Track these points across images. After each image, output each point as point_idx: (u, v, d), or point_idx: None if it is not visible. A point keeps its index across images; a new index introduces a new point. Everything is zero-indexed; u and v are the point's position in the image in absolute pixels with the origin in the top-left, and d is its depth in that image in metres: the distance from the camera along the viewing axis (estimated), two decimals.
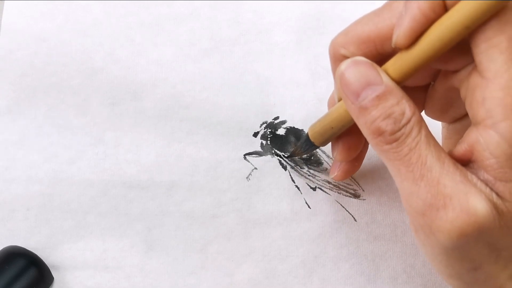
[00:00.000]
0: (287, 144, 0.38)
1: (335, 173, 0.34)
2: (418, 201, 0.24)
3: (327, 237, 0.35)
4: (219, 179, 0.37)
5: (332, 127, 0.30)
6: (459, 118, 0.30)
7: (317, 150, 0.38)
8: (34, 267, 0.32)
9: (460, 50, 0.25)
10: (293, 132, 0.38)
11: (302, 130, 0.38)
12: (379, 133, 0.25)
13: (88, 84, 0.39)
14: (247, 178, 0.37)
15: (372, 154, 0.37)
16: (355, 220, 0.36)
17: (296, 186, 0.37)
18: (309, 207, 0.36)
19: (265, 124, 0.38)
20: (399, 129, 0.24)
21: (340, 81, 0.26)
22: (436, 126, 0.30)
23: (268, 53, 0.40)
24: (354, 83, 0.25)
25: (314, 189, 0.37)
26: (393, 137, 0.24)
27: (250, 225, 0.35)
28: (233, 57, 0.40)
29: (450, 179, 0.23)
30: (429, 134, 0.25)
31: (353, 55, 0.27)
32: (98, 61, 0.39)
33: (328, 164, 0.37)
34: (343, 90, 0.26)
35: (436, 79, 0.29)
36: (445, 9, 0.24)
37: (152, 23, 0.41)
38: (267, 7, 0.42)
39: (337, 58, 0.28)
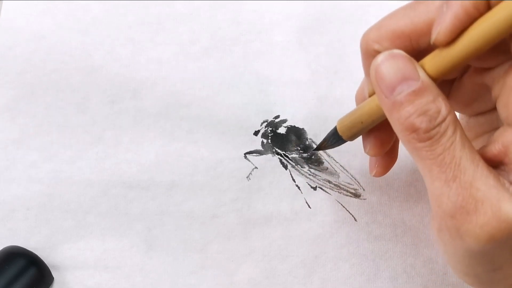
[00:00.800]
0: (288, 143, 0.38)
1: (374, 171, 0.33)
2: (448, 202, 0.24)
3: (327, 237, 0.35)
4: (219, 178, 0.37)
5: (362, 122, 0.29)
6: (481, 112, 0.29)
7: None
8: (34, 267, 0.32)
9: (497, 47, 0.24)
10: (294, 131, 0.38)
11: (302, 129, 0.38)
12: (413, 129, 0.24)
13: (88, 82, 0.39)
14: (247, 177, 0.37)
15: None
16: (356, 220, 0.36)
17: (297, 185, 0.37)
18: (309, 206, 0.36)
19: (266, 123, 0.38)
20: (434, 127, 0.24)
21: (375, 74, 0.25)
22: None
23: (268, 53, 0.40)
24: (390, 77, 0.24)
25: (314, 188, 0.37)
26: (427, 135, 0.24)
27: (250, 225, 0.35)
28: (233, 56, 0.40)
29: (484, 183, 0.23)
30: (463, 135, 0.24)
31: (387, 50, 0.26)
32: (98, 59, 0.39)
33: (328, 163, 0.37)
34: (378, 83, 0.25)
35: (465, 74, 0.29)
36: (489, 7, 0.23)
37: (152, 22, 0.41)
38: (267, 7, 0.42)
39: (369, 54, 0.27)
